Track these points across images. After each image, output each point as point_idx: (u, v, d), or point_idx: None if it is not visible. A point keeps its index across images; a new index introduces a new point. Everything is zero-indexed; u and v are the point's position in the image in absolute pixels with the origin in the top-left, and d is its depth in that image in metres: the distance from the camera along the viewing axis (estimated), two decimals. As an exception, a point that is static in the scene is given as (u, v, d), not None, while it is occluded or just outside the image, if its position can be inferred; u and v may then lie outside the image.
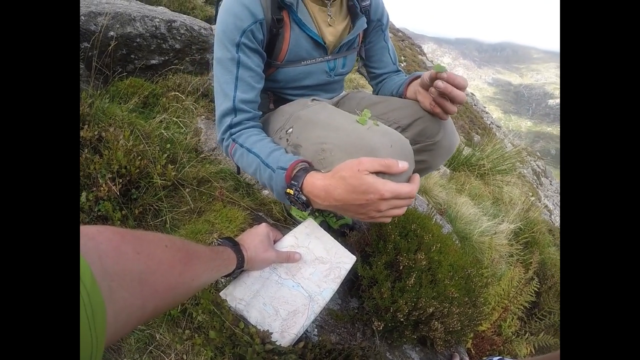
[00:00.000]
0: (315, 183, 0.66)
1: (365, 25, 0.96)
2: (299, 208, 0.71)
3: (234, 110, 0.81)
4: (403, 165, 0.62)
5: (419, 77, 0.90)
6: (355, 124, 0.75)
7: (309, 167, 0.71)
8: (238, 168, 1.37)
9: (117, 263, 0.38)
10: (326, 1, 0.88)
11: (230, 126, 0.82)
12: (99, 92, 1.45)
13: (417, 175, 0.70)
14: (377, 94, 1.13)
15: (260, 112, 0.88)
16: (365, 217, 0.65)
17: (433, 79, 0.78)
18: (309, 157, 0.76)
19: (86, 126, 1.15)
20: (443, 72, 0.76)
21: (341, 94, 1.15)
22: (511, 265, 2.07)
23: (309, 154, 0.77)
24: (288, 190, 0.70)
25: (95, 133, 1.15)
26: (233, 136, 0.82)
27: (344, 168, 0.63)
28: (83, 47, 1.54)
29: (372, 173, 0.61)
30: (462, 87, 0.75)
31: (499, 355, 1.29)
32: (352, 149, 0.70)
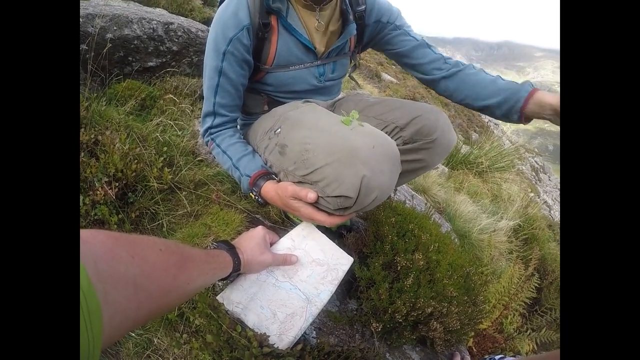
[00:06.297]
0: (268, 192, 0.83)
1: (355, 32, 0.95)
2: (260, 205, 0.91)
3: (214, 114, 0.93)
4: (311, 196, 0.73)
5: (535, 90, 0.82)
6: (339, 125, 0.75)
7: (267, 176, 0.85)
8: None
9: (111, 267, 0.38)
10: (315, 6, 0.87)
11: (211, 127, 0.95)
12: (95, 94, 1.45)
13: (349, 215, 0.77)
14: (451, 94, 1.00)
15: (238, 115, 0.99)
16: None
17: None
18: (294, 157, 0.77)
19: (82, 129, 1.15)
20: None
21: (338, 97, 1.14)
22: (511, 262, 2.06)
23: (294, 154, 0.78)
24: (250, 194, 0.88)
25: (92, 136, 1.14)
26: (212, 136, 0.96)
27: (281, 187, 0.79)
28: (80, 49, 1.53)
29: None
30: None
31: (500, 353, 1.29)
32: (334, 150, 0.70)
